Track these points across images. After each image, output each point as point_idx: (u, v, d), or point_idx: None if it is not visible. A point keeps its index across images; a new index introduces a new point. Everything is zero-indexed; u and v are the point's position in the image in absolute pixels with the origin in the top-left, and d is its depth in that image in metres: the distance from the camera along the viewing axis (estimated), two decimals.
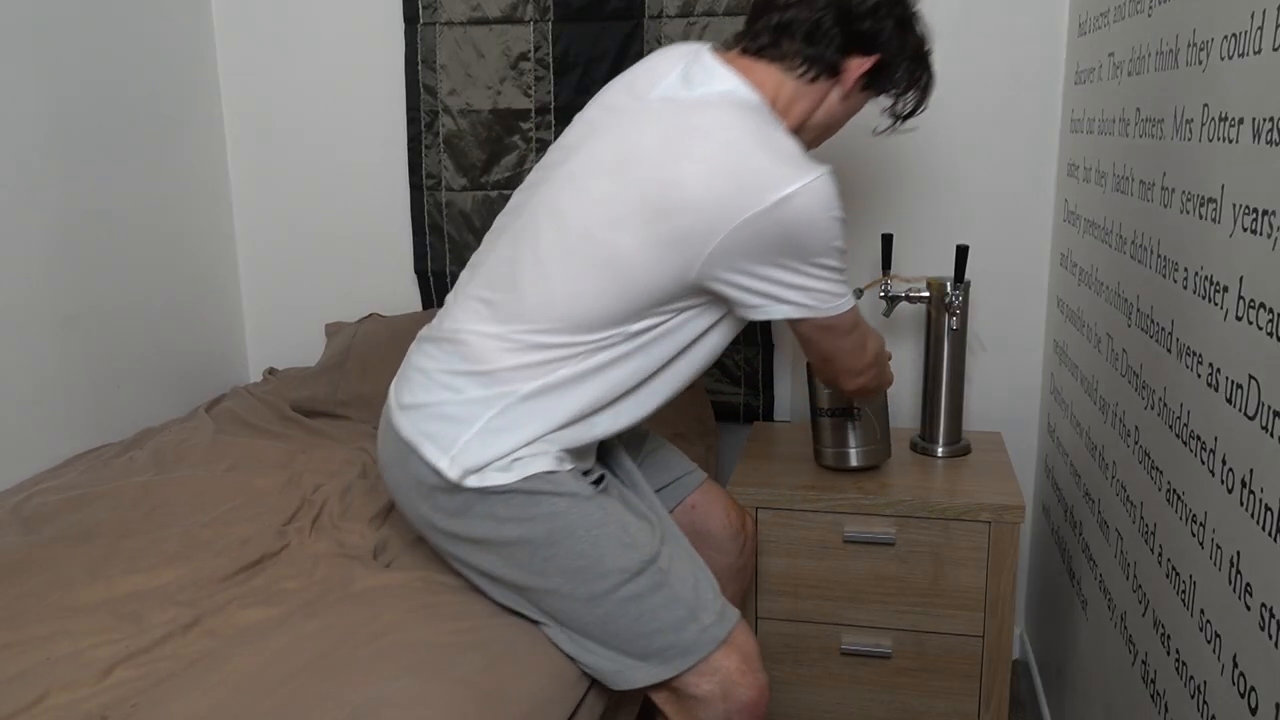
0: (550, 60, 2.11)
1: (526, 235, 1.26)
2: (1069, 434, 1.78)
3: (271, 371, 2.32)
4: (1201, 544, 1.07)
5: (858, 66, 1.30)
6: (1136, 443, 1.34)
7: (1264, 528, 0.91)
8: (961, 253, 1.83)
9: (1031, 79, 1.97)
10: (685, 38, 2.04)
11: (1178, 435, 1.16)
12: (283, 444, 1.87)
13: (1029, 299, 2.06)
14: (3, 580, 1.34)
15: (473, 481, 1.22)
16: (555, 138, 2.13)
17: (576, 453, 1.29)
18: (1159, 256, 1.27)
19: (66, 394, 1.86)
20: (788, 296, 1.22)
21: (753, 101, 1.24)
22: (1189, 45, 1.18)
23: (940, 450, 1.92)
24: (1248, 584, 0.94)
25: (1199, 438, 1.09)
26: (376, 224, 2.29)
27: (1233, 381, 0.99)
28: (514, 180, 2.19)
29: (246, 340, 2.41)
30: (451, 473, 1.22)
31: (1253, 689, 0.92)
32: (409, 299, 2.31)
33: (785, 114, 1.29)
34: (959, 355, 1.89)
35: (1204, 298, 1.09)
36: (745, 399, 2.18)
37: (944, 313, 1.85)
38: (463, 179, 2.20)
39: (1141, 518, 1.30)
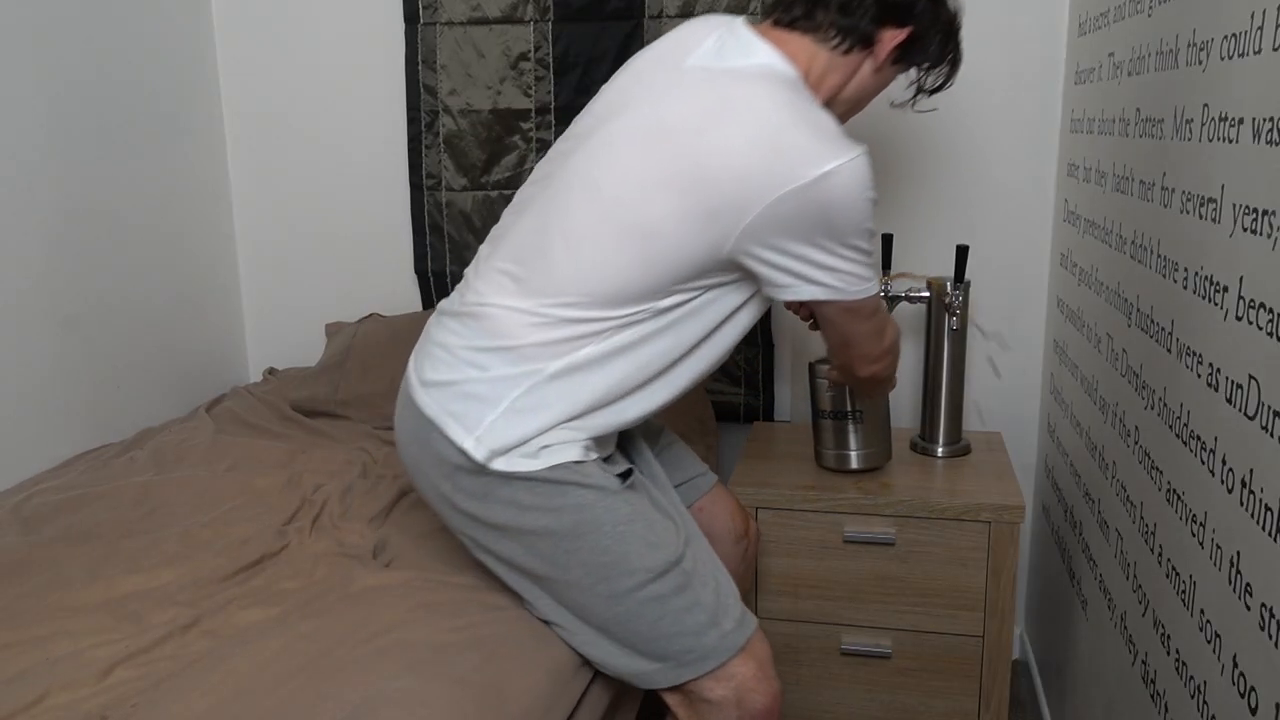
0: (550, 60, 2.11)
1: (556, 205, 1.23)
2: (1069, 434, 1.78)
3: (271, 371, 2.32)
4: (1201, 544, 1.07)
5: (891, 38, 1.29)
6: (1136, 443, 1.34)
7: (1264, 528, 0.91)
8: (961, 253, 1.83)
9: (1031, 79, 1.97)
10: None
11: (1178, 435, 1.16)
12: (283, 444, 1.87)
13: (1029, 299, 2.06)
14: (3, 580, 1.34)
15: (499, 464, 1.20)
16: (555, 138, 2.13)
17: (601, 441, 1.28)
18: (1159, 256, 1.27)
19: (66, 394, 1.86)
20: (817, 277, 1.21)
21: (791, 76, 1.22)
22: (1189, 45, 1.18)
23: (940, 450, 1.92)
24: (1248, 584, 0.94)
25: (1199, 438, 1.09)
26: (376, 224, 2.29)
27: (1233, 381, 0.99)
28: (514, 180, 2.19)
29: (246, 340, 2.41)
30: (477, 453, 1.20)
31: (1253, 689, 0.92)
32: (409, 299, 2.31)
33: (817, 87, 1.27)
34: (959, 355, 1.89)
35: (1204, 298, 1.09)
36: (745, 399, 2.18)
37: (944, 313, 1.85)
38: (463, 179, 2.20)
39: (1141, 518, 1.30)
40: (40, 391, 1.79)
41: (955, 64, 1.38)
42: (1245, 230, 0.97)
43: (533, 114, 2.15)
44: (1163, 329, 1.24)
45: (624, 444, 1.42)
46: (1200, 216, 1.11)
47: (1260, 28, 0.95)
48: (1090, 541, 1.59)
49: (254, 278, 2.38)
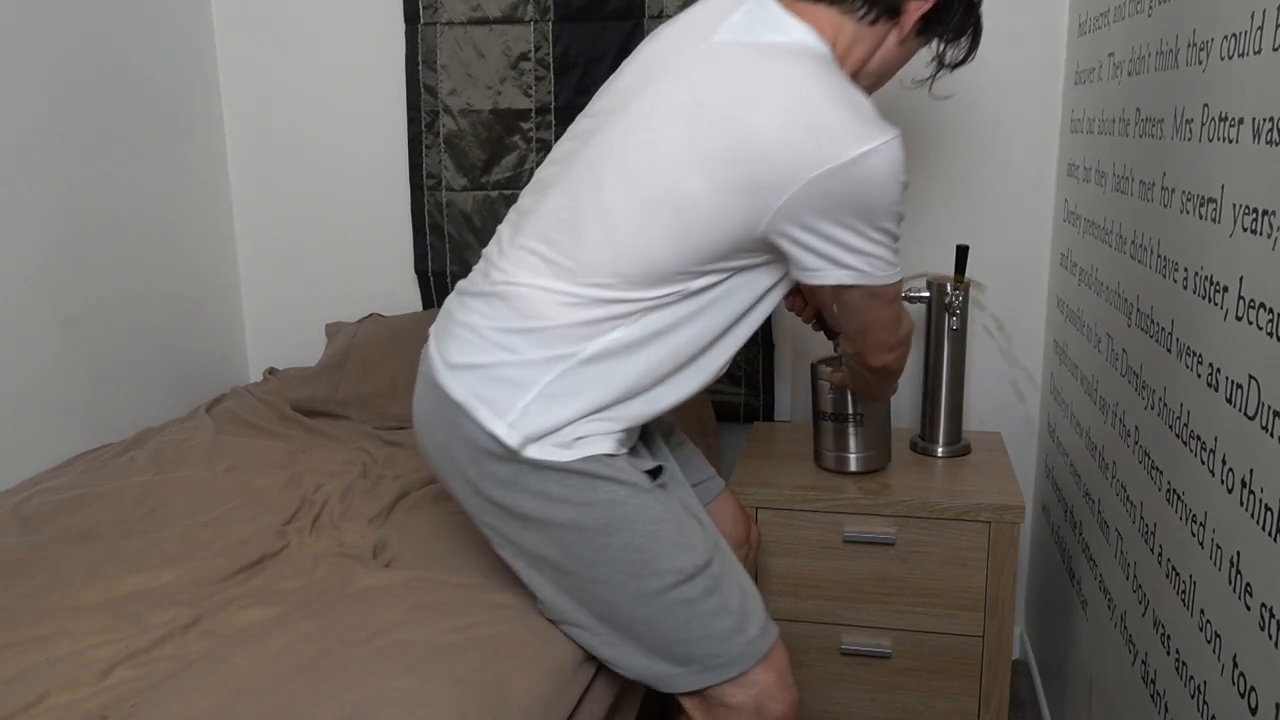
0: (550, 60, 2.11)
1: (588, 182, 1.21)
2: (1069, 434, 1.78)
3: (271, 371, 2.32)
4: (1201, 544, 1.07)
5: (917, 8, 1.27)
6: (1136, 443, 1.34)
7: (1264, 528, 0.91)
8: (961, 253, 1.83)
9: (1031, 79, 1.97)
10: None
11: (1178, 435, 1.16)
12: (283, 444, 1.87)
13: (1029, 299, 2.06)
14: (3, 580, 1.34)
15: (533, 451, 1.18)
16: (556, 138, 2.14)
17: (631, 434, 1.26)
18: (1159, 256, 1.27)
19: (66, 394, 1.86)
20: (847, 260, 1.19)
21: (824, 54, 1.21)
22: (1189, 45, 1.18)
23: (940, 450, 1.92)
24: (1248, 584, 0.94)
25: (1199, 438, 1.09)
26: (377, 224, 2.29)
27: (1233, 381, 0.99)
28: (514, 180, 2.19)
29: (246, 340, 2.41)
30: (510, 439, 1.17)
31: (1253, 689, 0.92)
32: (409, 299, 2.31)
33: (844, 59, 1.26)
34: (959, 355, 1.89)
35: (1204, 298, 1.09)
36: (745, 399, 2.18)
37: (944, 313, 1.85)
38: (463, 179, 2.20)
39: (1141, 518, 1.30)
40: (40, 391, 1.79)
41: (976, 37, 1.37)
42: (1245, 230, 0.97)
43: (533, 114, 2.15)
44: (1163, 329, 1.24)
45: (645, 441, 1.41)
46: (1200, 216, 1.11)
47: (1260, 28, 0.95)
48: (1090, 541, 1.59)
49: (254, 278, 2.38)
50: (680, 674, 1.24)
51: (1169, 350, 1.21)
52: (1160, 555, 1.21)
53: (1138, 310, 1.36)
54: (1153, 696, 1.21)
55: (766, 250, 1.21)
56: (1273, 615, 0.88)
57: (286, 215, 2.33)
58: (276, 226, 2.34)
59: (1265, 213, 0.92)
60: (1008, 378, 2.10)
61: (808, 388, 1.83)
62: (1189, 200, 1.15)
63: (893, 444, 1.92)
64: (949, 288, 1.84)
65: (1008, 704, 1.77)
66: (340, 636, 1.20)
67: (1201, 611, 1.06)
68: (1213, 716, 1.01)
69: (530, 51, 2.12)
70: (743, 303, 1.26)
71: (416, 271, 2.27)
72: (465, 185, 2.21)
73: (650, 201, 1.17)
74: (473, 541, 1.46)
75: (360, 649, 1.17)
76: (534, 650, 1.21)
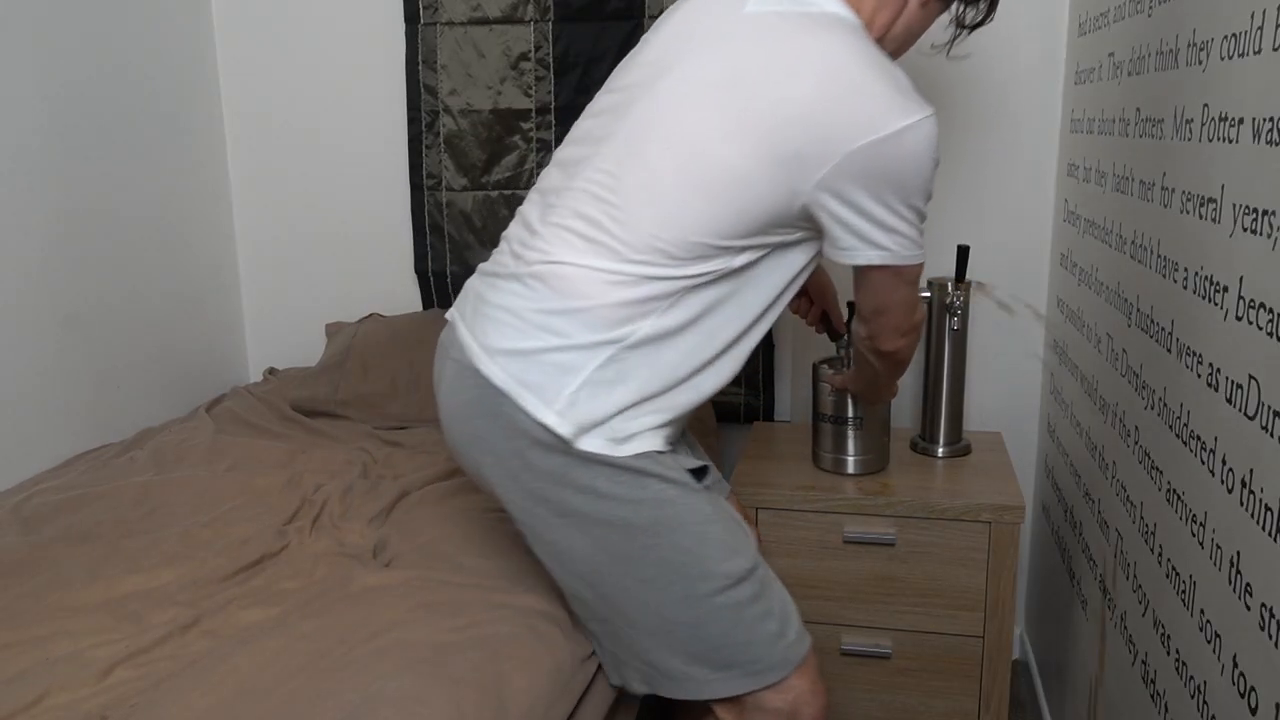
0: (550, 60, 2.11)
1: (629, 156, 1.18)
2: (1069, 434, 1.78)
3: (271, 371, 2.32)
4: (1201, 544, 1.07)
5: None
6: (1136, 443, 1.34)
7: (1264, 528, 0.90)
8: (962, 253, 1.83)
9: (1031, 79, 1.97)
10: None
11: (1178, 435, 1.16)
12: (283, 444, 1.87)
13: (1029, 299, 2.06)
14: (3, 580, 1.34)
15: (585, 444, 1.15)
16: (556, 138, 2.14)
17: (678, 427, 1.25)
18: (1159, 256, 1.27)
19: (66, 394, 1.86)
20: (879, 240, 1.19)
21: (857, 24, 1.21)
22: (1189, 45, 1.18)
23: (940, 450, 1.92)
24: (1248, 584, 0.94)
25: (1199, 438, 1.09)
26: (377, 224, 2.29)
27: (1233, 381, 0.99)
28: (514, 180, 2.19)
29: (246, 340, 2.41)
30: (562, 429, 1.14)
31: (1253, 689, 0.92)
32: (409, 299, 2.31)
33: (870, 25, 1.25)
34: (959, 355, 1.89)
35: (1204, 298, 1.09)
36: (745, 399, 2.18)
37: (944, 313, 1.85)
38: (463, 179, 2.20)
39: (1141, 518, 1.30)
40: (40, 391, 1.79)
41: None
42: (1245, 230, 0.97)
43: (533, 114, 2.15)
44: (1163, 329, 1.24)
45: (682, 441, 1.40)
46: (1200, 216, 1.11)
47: (1260, 28, 0.95)
48: (1090, 541, 1.59)
49: (254, 278, 2.38)
50: (719, 679, 1.22)
51: (1169, 350, 1.21)
52: (1160, 555, 1.21)
53: (1138, 310, 1.36)
54: (1153, 696, 1.21)
55: (804, 224, 1.20)
56: (1273, 615, 0.88)
57: (286, 215, 2.33)
58: (276, 226, 2.34)
59: (1265, 213, 0.92)
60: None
61: (808, 388, 1.83)
62: (1189, 200, 1.15)
63: (894, 444, 1.92)
64: (949, 288, 1.84)
65: (1008, 704, 1.77)
66: (340, 636, 1.20)
67: (1201, 611, 1.06)
68: (1213, 716, 1.01)
69: (530, 51, 2.12)
70: (776, 285, 1.25)
71: (416, 271, 2.27)
72: (465, 185, 2.21)
73: (694, 174, 1.15)
74: (473, 541, 1.46)
75: (360, 649, 1.17)
76: (534, 650, 1.21)
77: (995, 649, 1.75)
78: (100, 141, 1.93)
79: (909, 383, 2.09)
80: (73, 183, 1.86)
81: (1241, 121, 0.99)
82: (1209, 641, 1.03)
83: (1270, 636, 0.88)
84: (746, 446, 1.99)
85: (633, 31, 2.06)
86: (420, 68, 2.17)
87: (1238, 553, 0.96)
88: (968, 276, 1.88)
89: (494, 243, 2.21)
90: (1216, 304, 1.05)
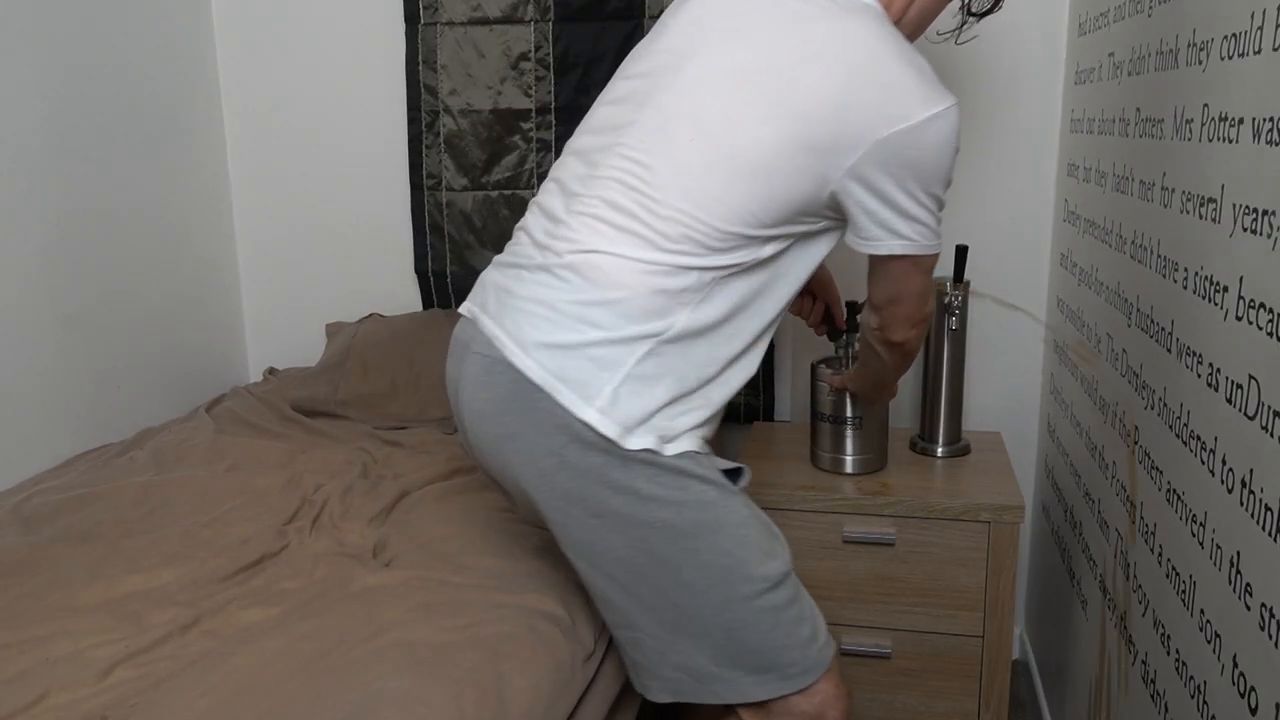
0: (550, 60, 2.11)
1: (659, 144, 1.17)
2: (1069, 434, 1.78)
3: (271, 371, 2.32)
4: (1201, 544, 1.07)
5: None
6: (1136, 443, 1.34)
7: (1264, 528, 0.91)
8: (961, 253, 1.83)
9: (1031, 79, 1.97)
10: None
11: (1178, 435, 1.16)
12: (283, 444, 1.87)
13: (1029, 299, 2.06)
14: (3, 580, 1.34)
15: (632, 442, 1.13)
16: (556, 138, 2.14)
17: (713, 426, 1.24)
18: (1159, 256, 1.27)
19: (66, 394, 1.86)
20: (902, 230, 1.19)
21: (880, 11, 1.21)
22: (1189, 45, 1.18)
23: (940, 450, 1.92)
24: (1248, 584, 0.94)
25: (1199, 438, 1.09)
26: (377, 224, 2.29)
27: (1233, 381, 0.99)
28: (514, 180, 2.19)
29: (246, 340, 2.41)
30: (605, 428, 1.12)
31: (1253, 689, 0.92)
32: (409, 299, 2.31)
33: (888, 8, 1.25)
34: (959, 355, 1.89)
35: (1204, 298, 1.09)
36: (745, 399, 2.18)
37: (944, 313, 1.85)
38: (463, 179, 2.20)
39: (1141, 518, 1.30)
40: (40, 391, 1.79)
41: None
42: (1245, 230, 0.97)
43: (533, 114, 2.15)
44: (1163, 329, 1.24)
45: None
46: (1200, 216, 1.11)
47: (1260, 28, 0.95)
48: (1090, 541, 1.59)
49: (254, 278, 2.38)
50: (754, 683, 1.22)
51: (1169, 350, 1.21)
52: (1160, 555, 1.21)
53: (1138, 310, 1.36)
54: (1153, 696, 1.21)
55: (829, 213, 1.21)
56: (1273, 615, 0.88)
57: (286, 215, 2.33)
58: (276, 226, 2.34)
59: (1265, 213, 0.92)
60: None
61: (808, 388, 1.83)
62: (1189, 200, 1.15)
63: (893, 444, 1.92)
64: (948, 288, 1.84)
65: (1008, 704, 1.77)
66: (340, 636, 1.20)
67: (1201, 611, 1.06)
68: (1213, 716, 1.01)
69: (530, 51, 2.12)
70: (799, 277, 1.25)
71: (416, 271, 2.27)
72: (465, 185, 2.21)
73: (727, 161, 1.15)
74: (473, 541, 1.46)
75: (360, 649, 1.17)
76: (534, 650, 1.21)
77: (995, 649, 1.75)
78: (100, 141, 1.93)
79: (908, 382, 2.09)
80: (73, 182, 1.86)
81: (1241, 121, 0.99)
82: (1209, 641, 1.03)
83: (1270, 636, 0.88)
84: (746, 446, 1.99)
85: (633, 32, 2.06)
86: (420, 68, 2.17)
87: (1238, 553, 0.96)
88: (966, 276, 1.88)
89: (494, 243, 2.22)
90: (1216, 304, 1.05)
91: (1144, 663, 1.26)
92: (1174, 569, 1.16)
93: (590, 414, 1.13)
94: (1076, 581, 1.68)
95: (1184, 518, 1.13)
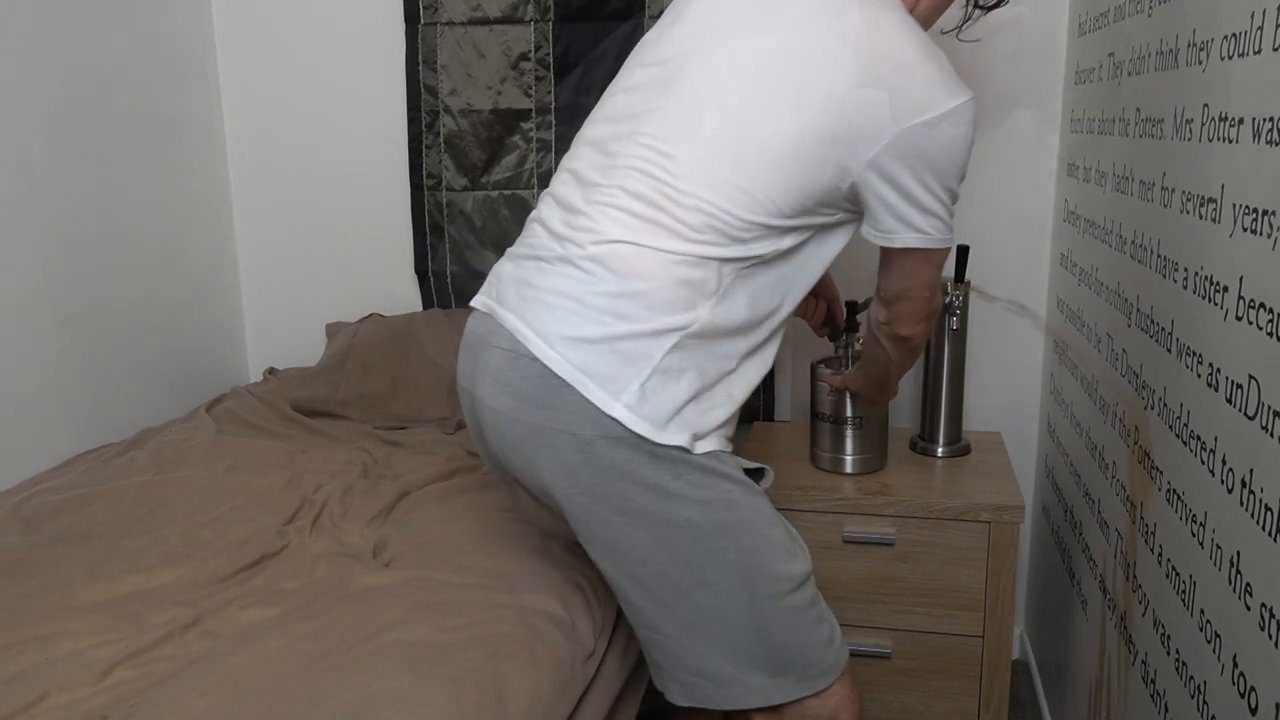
0: (550, 60, 2.11)
1: (680, 133, 1.15)
2: (1069, 434, 1.78)
3: (271, 371, 2.32)
4: (1201, 544, 1.07)
5: None
6: (1136, 443, 1.34)
7: (1264, 528, 0.91)
8: (961, 253, 1.83)
9: (1031, 79, 1.97)
10: None
11: (1178, 435, 1.16)
12: (283, 444, 1.87)
13: (1029, 299, 2.06)
14: (3, 580, 1.34)
15: (663, 437, 1.11)
16: (556, 138, 2.14)
17: (734, 424, 1.24)
18: (1159, 256, 1.27)
19: (67, 394, 1.86)
20: (918, 223, 1.19)
21: (898, 3, 1.21)
22: (1189, 45, 1.18)
23: (940, 450, 1.92)
24: (1248, 584, 0.94)
25: (1199, 438, 1.09)
26: (377, 224, 2.29)
27: (1233, 381, 0.99)
28: (515, 180, 2.19)
29: (246, 340, 2.41)
30: (635, 422, 1.10)
31: (1253, 689, 0.92)
32: (409, 299, 2.31)
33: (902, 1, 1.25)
34: (959, 355, 1.89)
35: (1204, 298, 1.09)
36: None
37: (944, 313, 1.85)
38: (463, 179, 2.20)
39: (1141, 518, 1.30)
40: (40, 391, 1.79)
41: None
42: (1245, 230, 0.97)
43: (533, 114, 2.15)
44: (1163, 329, 1.24)
45: None
46: (1200, 216, 1.11)
47: (1260, 28, 0.95)
48: (1090, 541, 1.59)
49: (254, 278, 2.38)
50: (773, 685, 1.21)
51: (1169, 350, 1.21)
52: (1160, 555, 1.21)
53: (1138, 310, 1.36)
54: (1153, 696, 1.21)
55: (848, 205, 1.21)
56: (1273, 615, 0.88)
57: (286, 215, 2.33)
58: (276, 227, 2.34)
59: (1265, 213, 0.92)
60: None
61: (808, 388, 1.83)
62: (1189, 200, 1.15)
63: (893, 444, 1.92)
64: (948, 288, 1.84)
65: (1008, 704, 1.77)
66: (340, 636, 1.20)
67: (1201, 611, 1.06)
68: (1213, 716, 1.01)
69: (530, 51, 2.12)
70: (815, 270, 1.25)
71: (416, 271, 2.27)
72: (465, 185, 2.21)
73: (752, 149, 1.14)
74: (473, 541, 1.46)
75: (360, 649, 1.17)
76: (534, 650, 1.21)
77: (995, 649, 1.75)
78: (100, 142, 1.93)
79: (908, 382, 2.09)
80: (73, 183, 1.86)
81: (1241, 121, 0.99)
82: (1209, 641, 1.03)
83: (1270, 636, 0.88)
84: (746, 446, 1.99)
85: (633, 31, 2.06)
86: (420, 68, 2.17)
87: (1238, 553, 0.96)
88: (967, 276, 1.88)
89: (495, 243, 2.22)
90: (1216, 304, 1.05)
91: (1144, 663, 1.26)
92: (1174, 569, 1.16)
93: (619, 410, 1.10)
94: (1076, 581, 1.68)
95: (1184, 518, 1.13)
